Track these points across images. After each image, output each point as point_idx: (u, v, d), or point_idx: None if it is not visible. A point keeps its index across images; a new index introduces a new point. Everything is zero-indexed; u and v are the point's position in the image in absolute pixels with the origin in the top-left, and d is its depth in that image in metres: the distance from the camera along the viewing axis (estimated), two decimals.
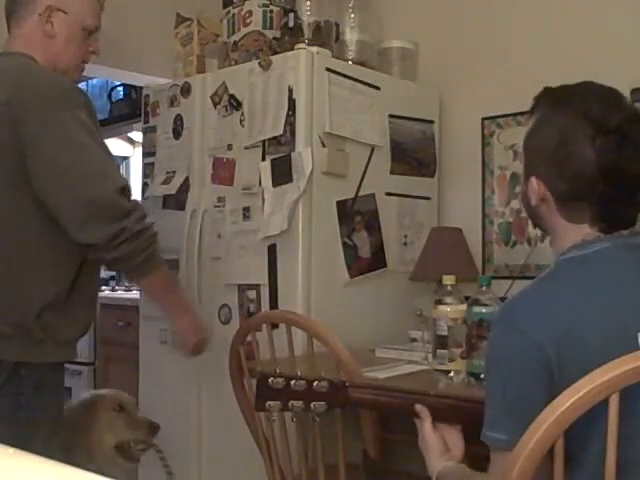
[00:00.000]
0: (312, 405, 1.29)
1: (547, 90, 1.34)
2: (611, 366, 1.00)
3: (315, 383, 1.29)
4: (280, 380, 1.27)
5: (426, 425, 1.31)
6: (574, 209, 1.23)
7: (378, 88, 2.62)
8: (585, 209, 1.22)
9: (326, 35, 2.60)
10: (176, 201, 2.71)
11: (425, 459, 1.32)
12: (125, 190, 1.78)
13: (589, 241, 1.21)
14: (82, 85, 5.20)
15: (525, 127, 1.35)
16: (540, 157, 1.26)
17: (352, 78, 2.52)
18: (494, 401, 1.16)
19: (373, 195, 2.59)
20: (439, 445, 1.30)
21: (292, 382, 1.28)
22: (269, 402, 1.27)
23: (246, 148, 2.49)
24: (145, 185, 2.87)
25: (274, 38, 2.64)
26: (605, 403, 0.99)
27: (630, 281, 1.18)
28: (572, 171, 1.21)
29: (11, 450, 0.50)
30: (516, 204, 2.72)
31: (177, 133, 2.74)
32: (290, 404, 1.28)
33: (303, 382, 1.29)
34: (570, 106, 1.25)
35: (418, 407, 1.32)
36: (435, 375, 1.79)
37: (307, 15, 2.57)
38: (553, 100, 1.30)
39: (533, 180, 1.26)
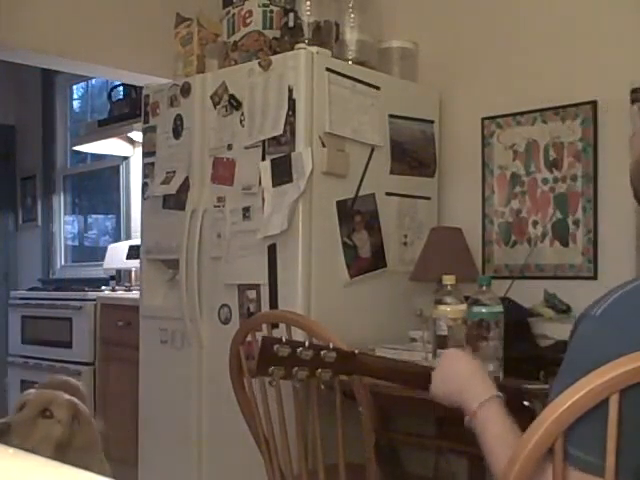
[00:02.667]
0: (317, 372, 1.23)
1: None
2: (611, 366, 0.99)
3: (323, 352, 1.24)
4: (286, 348, 1.21)
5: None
6: None
7: (378, 88, 2.62)
8: None
9: (326, 35, 2.60)
10: (176, 201, 2.71)
11: (451, 393, 1.20)
12: None
13: None
14: (82, 85, 5.21)
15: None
16: None
17: (352, 78, 2.52)
18: (591, 417, 0.98)
19: (373, 195, 2.59)
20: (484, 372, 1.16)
21: (298, 350, 1.22)
22: (272, 367, 1.21)
23: (246, 148, 2.49)
24: (145, 185, 2.87)
25: (274, 38, 2.64)
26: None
27: None
28: None
29: (11, 450, 0.50)
30: (516, 204, 2.72)
31: (177, 133, 2.74)
32: (294, 371, 1.22)
33: (310, 352, 1.23)
34: None
35: None
36: None
37: (307, 15, 2.57)
38: None
39: None
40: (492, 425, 1.14)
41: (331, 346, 1.27)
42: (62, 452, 1.88)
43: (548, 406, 1.00)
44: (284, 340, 1.23)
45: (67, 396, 2.00)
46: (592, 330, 1.03)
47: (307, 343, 1.25)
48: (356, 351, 1.31)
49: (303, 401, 1.85)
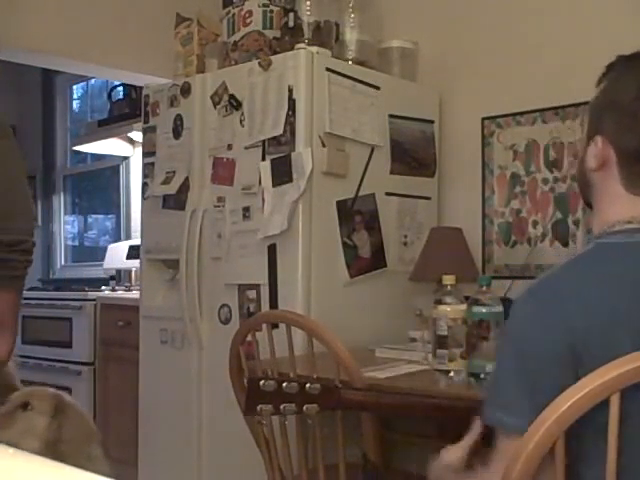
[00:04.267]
0: (304, 408, 1.27)
1: (622, 55, 1.30)
2: (611, 366, 0.99)
3: (307, 385, 1.28)
4: (271, 383, 1.25)
5: (467, 441, 1.18)
6: (638, 174, 1.13)
7: (378, 88, 2.62)
8: None
9: (326, 35, 2.60)
10: (176, 201, 2.71)
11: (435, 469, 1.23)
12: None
13: (635, 228, 1.11)
14: (82, 85, 5.21)
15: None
16: (611, 110, 1.17)
17: (352, 78, 2.52)
18: (507, 379, 1.07)
19: (373, 195, 2.59)
20: (460, 465, 1.18)
21: (284, 384, 1.26)
22: (260, 406, 1.26)
23: (246, 148, 2.49)
24: (145, 185, 2.87)
25: (274, 38, 2.64)
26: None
27: None
28: None
29: (11, 450, 0.50)
30: (516, 204, 2.72)
31: (177, 133, 2.74)
32: (282, 407, 1.26)
33: (295, 384, 1.27)
34: None
35: (478, 422, 1.18)
36: (435, 375, 1.79)
37: (307, 15, 2.57)
38: (629, 57, 1.26)
39: (598, 139, 1.16)
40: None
41: (314, 376, 1.30)
42: (53, 446, 1.87)
43: (549, 406, 1.00)
44: (268, 375, 1.27)
45: (50, 389, 1.99)
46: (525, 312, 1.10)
47: (291, 375, 1.29)
48: (339, 385, 1.35)
49: None
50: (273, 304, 2.39)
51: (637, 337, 1.03)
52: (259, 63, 2.47)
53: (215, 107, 2.61)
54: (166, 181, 2.74)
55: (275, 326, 1.95)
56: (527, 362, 1.06)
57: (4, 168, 1.94)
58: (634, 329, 1.05)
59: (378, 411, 1.46)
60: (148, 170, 2.86)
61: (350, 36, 2.72)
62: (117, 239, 4.71)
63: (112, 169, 4.84)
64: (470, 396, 1.49)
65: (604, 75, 1.28)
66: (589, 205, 1.26)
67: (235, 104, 2.53)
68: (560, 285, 1.11)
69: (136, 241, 3.58)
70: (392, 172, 2.68)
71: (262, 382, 1.25)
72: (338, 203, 2.47)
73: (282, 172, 2.37)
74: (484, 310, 1.67)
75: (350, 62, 2.65)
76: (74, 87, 5.30)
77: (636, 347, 1.01)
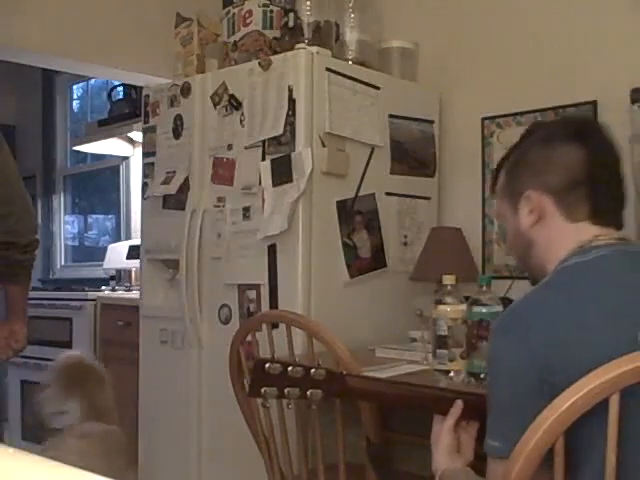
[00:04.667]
0: (308, 393, 1.27)
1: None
2: (611, 366, 1.00)
3: (312, 371, 1.28)
4: (277, 366, 1.25)
5: (449, 421, 1.29)
6: (576, 201, 1.25)
7: (378, 88, 2.62)
8: (585, 199, 1.24)
9: (326, 35, 2.60)
10: (176, 201, 2.71)
11: (433, 454, 1.31)
12: None
13: (585, 249, 1.22)
14: (82, 85, 5.21)
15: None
16: (526, 169, 1.30)
17: (352, 78, 2.52)
18: (495, 409, 1.16)
19: (373, 195, 2.60)
20: (452, 445, 1.29)
21: (289, 368, 1.26)
22: (265, 388, 1.25)
23: (246, 148, 2.49)
24: (145, 185, 2.87)
25: (274, 38, 2.64)
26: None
27: (630, 285, 1.18)
28: (563, 162, 1.26)
29: (11, 450, 0.50)
30: None
31: (177, 133, 2.74)
32: (286, 391, 1.26)
33: (300, 369, 1.27)
34: (540, 129, 1.37)
35: (459, 403, 1.30)
36: (435, 375, 1.79)
37: (307, 15, 2.57)
38: (517, 142, 1.39)
39: (529, 193, 1.28)
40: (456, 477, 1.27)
41: (319, 362, 1.32)
42: None
43: (548, 406, 1.01)
44: (275, 358, 1.29)
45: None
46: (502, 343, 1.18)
47: (297, 360, 1.32)
48: (344, 372, 1.35)
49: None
50: (273, 304, 2.39)
51: (605, 350, 1.07)
52: (259, 63, 2.47)
53: (215, 107, 2.61)
54: (166, 181, 2.74)
55: (275, 326, 1.95)
56: (505, 391, 1.14)
57: (6, 175, 2.22)
58: (602, 343, 1.09)
59: (382, 400, 1.46)
60: (148, 170, 2.86)
61: (350, 36, 2.72)
62: (117, 239, 4.71)
63: (112, 169, 4.84)
64: (472, 391, 1.49)
65: (497, 175, 1.41)
66: (528, 268, 1.36)
67: (235, 104, 2.53)
68: (523, 315, 1.18)
69: (136, 241, 3.58)
70: (392, 172, 2.68)
71: (268, 365, 1.25)
72: (338, 203, 2.47)
73: (282, 172, 2.37)
74: (484, 310, 1.67)
75: (350, 62, 2.65)
76: (74, 87, 5.30)
77: (609, 350, 1.05)
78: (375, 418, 1.70)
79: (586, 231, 1.24)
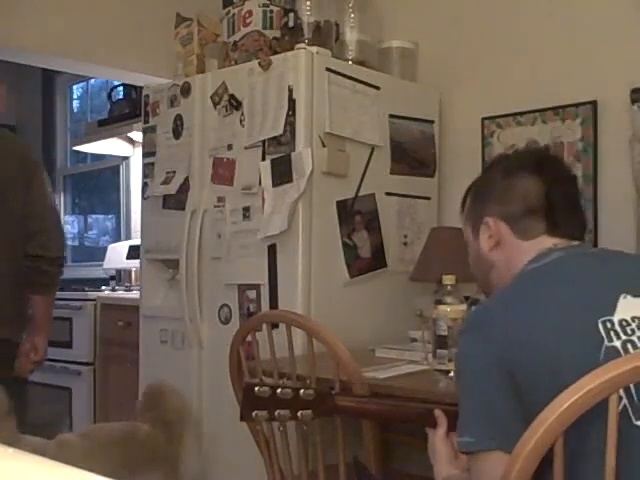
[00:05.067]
0: (299, 414, 1.28)
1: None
2: (611, 366, 1.00)
3: (301, 391, 1.29)
4: (266, 389, 1.26)
5: (440, 432, 1.32)
6: (531, 223, 1.32)
7: (378, 88, 2.62)
8: (540, 220, 1.31)
9: (326, 35, 2.60)
10: (176, 201, 2.71)
11: (433, 466, 1.33)
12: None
13: (544, 253, 1.27)
14: (82, 85, 5.21)
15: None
16: (488, 197, 1.38)
17: (352, 78, 2.52)
18: (462, 407, 1.18)
19: (373, 195, 2.59)
20: (448, 453, 1.31)
21: (278, 390, 1.27)
22: (256, 412, 1.26)
23: (246, 148, 2.49)
24: (145, 185, 2.87)
25: (274, 38, 2.64)
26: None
27: (586, 280, 1.22)
28: (522, 191, 1.33)
29: (11, 450, 0.50)
30: None
31: (177, 133, 2.74)
32: (277, 413, 1.27)
33: (289, 390, 1.28)
34: (502, 162, 1.46)
35: (437, 412, 1.33)
36: (435, 375, 1.79)
37: (307, 15, 2.57)
38: (488, 165, 1.51)
39: (488, 220, 1.35)
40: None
41: (308, 382, 1.34)
42: None
43: (548, 406, 1.00)
44: (262, 381, 1.28)
45: None
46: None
47: (284, 381, 1.36)
48: (333, 391, 1.37)
49: None
50: (273, 304, 2.39)
51: (554, 343, 1.11)
52: (259, 63, 2.47)
53: (215, 107, 2.61)
54: (166, 181, 2.74)
55: (275, 326, 1.95)
56: (471, 387, 1.17)
57: (42, 194, 2.48)
58: (551, 337, 1.12)
59: (372, 418, 1.48)
60: (148, 170, 2.86)
61: (350, 36, 2.72)
62: (117, 239, 4.71)
63: (112, 169, 4.84)
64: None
65: (463, 209, 1.49)
66: (489, 290, 1.43)
67: (235, 104, 2.53)
68: (483, 314, 1.25)
69: (136, 241, 3.58)
70: (392, 172, 2.68)
71: (257, 388, 1.27)
72: (338, 203, 2.47)
73: (282, 172, 2.37)
74: None
75: (350, 62, 2.65)
76: (74, 87, 5.30)
77: (570, 340, 1.10)
78: (375, 434, 1.71)
79: (544, 242, 1.30)
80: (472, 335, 1.20)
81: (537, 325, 1.14)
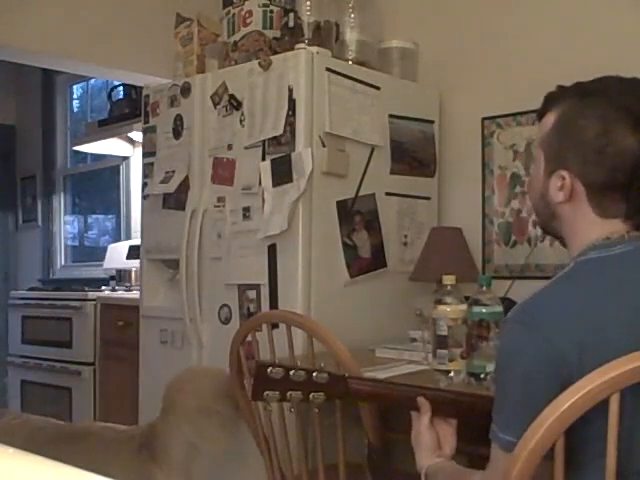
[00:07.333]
0: (311, 396, 1.28)
1: (569, 86, 1.33)
2: (611, 366, 1.00)
3: (315, 374, 1.28)
4: (279, 370, 1.26)
5: (423, 420, 1.30)
6: (610, 200, 1.19)
7: (378, 88, 2.62)
8: (621, 201, 1.18)
9: (326, 35, 2.60)
10: (176, 201, 2.71)
11: (415, 454, 1.32)
12: None
13: (612, 242, 1.17)
14: (82, 85, 5.21)
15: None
16: (575, 147, 1.20)
17: (352, 78, 2.52)
18: (507, 402, 1.13)
19: (373, 195, 2.59)
20: (432, 442, 1.30)
21: (291, 372, 1.26)
22: (267, 392, 1.26)
23: (246, 148, 2.49)
24: (145, 185, 2.87)
25: (274, 38, 2.64)
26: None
27: None
28: (613, 159, 1.16)
29: (11, 450, 0.50)
30: (516, 204, 2.72)
31: (177, 133, 2.74)
32: (289, 394, 1.26)
33: (303, 372, 1.27)
34: (605, 98, 1.21)
35: (421, 400, 1.31)
36: (435, 375, 1.79)
37: (307, 15, 2.57)
38: (582, 92, 1.27)
39: (563, 173, 1.21)
40: (442, 470, 1.27)
41: (322, 365, 1.33)
42: None
43: (549, 406, 1.00)
44: (277, 362, 1.29)
45: None
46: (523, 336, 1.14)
47: (297, 361, 1.32)
48: (346, 374, 1.35)
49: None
50: (273, 304, 2.39)
51: (623, 345, 1.05)
52: (259, 63, 2.47)
53: (215, 107, 2.61)
54: (165, 180, 2.74)
55: (275, 326, 1.95)
56: (518, 384, 1.11)
57: None
58: (620, 338, 1.08)
59: (384, 402, 1.47)
60: (148, 170, 2.86)
61: (350, 36, 2.72)
62: (117, 239, 4.71)
63: (112, 169, 4.83)
64: (474, 391, 1.50)
65: (548, 107, 1.34)
66: (550, 233, 1.33)
67: (235, 104, 2.53)
68: (543, 308, 1.14)
69: (136, 241, 3.58)
70: (392, 172, 2.68)
71: (270, 369, 1.26)
72: (338, 203, 2.47)
73: (282, 172, 2.37)
74: (484, 310, 1.67)
75: (350, 62, 2.65)
76: (74, 87, 5.30)
77: (630, 349, 1.02)
78: (375, 420, 1.70)
79: (617, 227, 1.19)
80: (525, 330, 1.12)
81: (603, 327, 1.09)
